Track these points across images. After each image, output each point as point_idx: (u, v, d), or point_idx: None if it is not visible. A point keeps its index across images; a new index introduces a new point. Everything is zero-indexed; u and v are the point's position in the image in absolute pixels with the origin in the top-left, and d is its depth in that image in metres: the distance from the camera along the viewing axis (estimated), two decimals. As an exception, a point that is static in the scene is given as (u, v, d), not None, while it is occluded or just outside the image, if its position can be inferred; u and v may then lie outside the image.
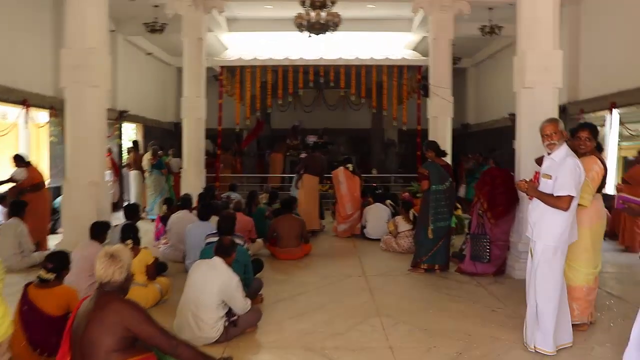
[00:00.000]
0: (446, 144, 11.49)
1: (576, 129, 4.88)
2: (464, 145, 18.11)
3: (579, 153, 4.57)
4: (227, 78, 15.51)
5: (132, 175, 12.92)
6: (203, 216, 7.47)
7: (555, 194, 4.16)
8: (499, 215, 6.70)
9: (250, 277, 5.56)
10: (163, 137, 17.86)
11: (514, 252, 6.85)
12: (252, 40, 15.82)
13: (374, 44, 15.59)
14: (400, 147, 18.98)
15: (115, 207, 13.93)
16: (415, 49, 16.11)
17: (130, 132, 17.16)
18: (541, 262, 4.26)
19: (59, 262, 4.34)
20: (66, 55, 7.41)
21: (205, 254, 5.25)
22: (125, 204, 9.58)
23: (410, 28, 14.77)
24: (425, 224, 6.94)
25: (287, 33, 14.70)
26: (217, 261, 4.66)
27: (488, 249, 6.70)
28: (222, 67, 15.08)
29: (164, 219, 8.97)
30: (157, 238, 8.97)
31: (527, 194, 4.39)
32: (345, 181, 10.17)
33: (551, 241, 4.24)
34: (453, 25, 11.67)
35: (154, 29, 13.51)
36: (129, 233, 5.90)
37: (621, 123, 10.70)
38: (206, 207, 7.68)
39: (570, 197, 4.13)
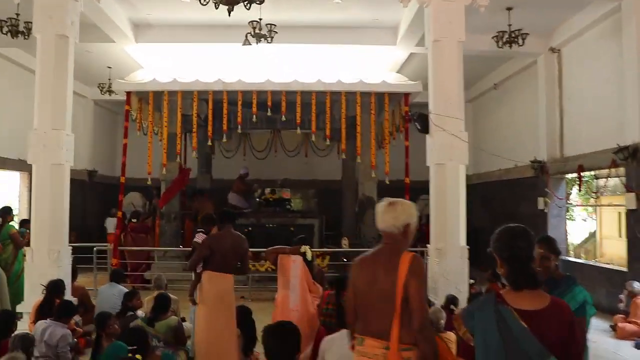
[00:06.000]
0: (459, 212, 7.09)
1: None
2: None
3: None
4: (138, 109, 11.03)
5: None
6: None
7: None
8: None
9: None
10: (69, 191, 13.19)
11: None
12: (177, 57, 11.47)
13: (343, 62, 11.31)
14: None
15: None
16: (400, 72, 11.88)
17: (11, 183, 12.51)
18: None
19: None
20: None
21: None
22: None
23: (393, 40, 10.55)
24: None
25: (220, 45, 10.49)
26: None
27: None
28: (128, 92, 10.60)
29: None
30: None
31: None
32: (298, 284, 5.60)
33: None
34: (464, 21, 7.42)
35: (15, 29, 9.00)
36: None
37: None
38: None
39: None
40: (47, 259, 7.09)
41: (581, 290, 4.22)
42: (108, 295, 7.34)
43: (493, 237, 2.47)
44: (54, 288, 6.16)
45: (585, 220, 11.79)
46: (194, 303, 5.45)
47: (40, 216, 7.24)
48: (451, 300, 5.93)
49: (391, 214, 3.02)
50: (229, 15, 5.89)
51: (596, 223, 11.24)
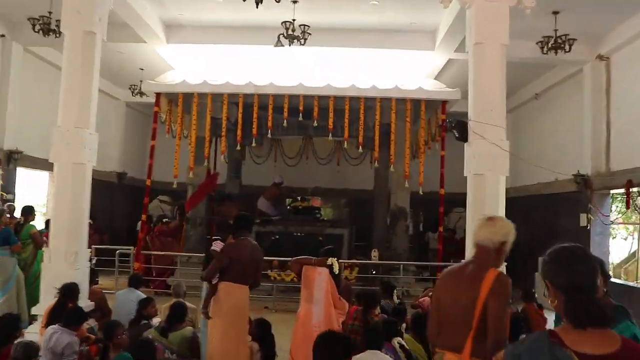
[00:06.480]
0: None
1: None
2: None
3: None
4: (167, 110, 10.86)
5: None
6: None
7: None
8: None
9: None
10: (97, 192, 13.07)
11: None
12: (208, 59, 11.26)
13: (378, 67, 10.92)
14: (414, 219, 13.82)
15: None
16: (437, 78, 11.43)
17: (41, 183, 12.47)
18: None
19: None
20: None
21: None
22: None
23: (431, 45, 10.13)
24: None
25: (252, 47, 10.24)
26: None
27: None
28: (157, 93, 10.43)
29: None
30: None
31: None
32: (323, 298, 5.17)
33: None
34: (508, 23, 6.97)
35: (47, 27, 8.90)
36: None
37: None
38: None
39: None
40: (64, 261, 6.86)
41: (629, 325, 3.57)
42: (125, 300, 7.05)
43: (545, 258, 1.98)
44: (68, 291, 5.87)
45: (625, 239, 11.16)
46: (208, 317, 5.07)
47: (60, 216, 7.02)
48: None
49: (490, 229, 3.07)
50: (257, 6, 5.57)
51: (637, 242, 10.61)
